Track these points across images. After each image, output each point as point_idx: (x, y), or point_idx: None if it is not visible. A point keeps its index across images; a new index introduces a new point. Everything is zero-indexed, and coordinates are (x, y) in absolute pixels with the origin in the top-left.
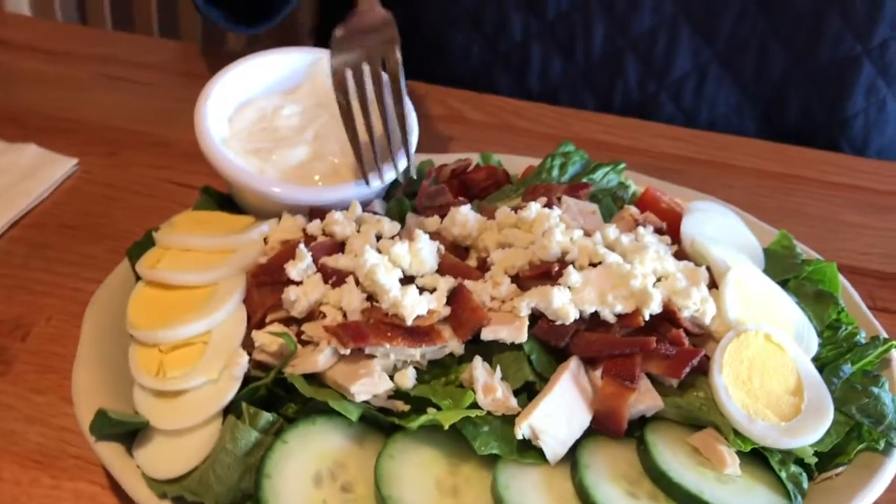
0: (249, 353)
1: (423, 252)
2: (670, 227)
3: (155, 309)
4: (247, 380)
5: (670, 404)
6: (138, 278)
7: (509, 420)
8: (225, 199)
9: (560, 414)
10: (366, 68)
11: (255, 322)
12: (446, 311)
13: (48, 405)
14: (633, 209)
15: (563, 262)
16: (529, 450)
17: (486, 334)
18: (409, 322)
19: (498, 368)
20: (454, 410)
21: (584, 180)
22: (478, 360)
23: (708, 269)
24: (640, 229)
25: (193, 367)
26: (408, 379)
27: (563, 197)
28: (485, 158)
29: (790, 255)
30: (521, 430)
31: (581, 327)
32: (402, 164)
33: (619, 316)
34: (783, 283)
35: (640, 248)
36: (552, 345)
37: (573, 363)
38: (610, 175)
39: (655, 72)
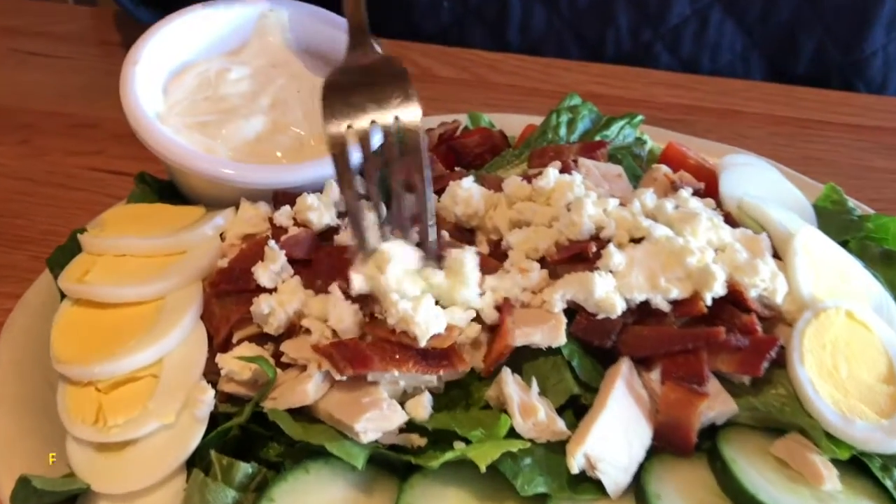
0: (214, 385)
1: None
2: (706, 187)
3: (86, 335)
4: (214, 420)
5: (744, 406)
6: (64, 295)
7: (556, 448)
8: (166, 187)
9: (618, 434)
10: (376, 132)
11: (220, 343)
12: (472, 328)
13: None
14: (665, 168)
15: (599, 241)
16: (584, 482)
17: (518, 338)
18: (423, 343)
19: (534, 381)
20: (489, 443)
21: (598, 138)
22: (507, 372)
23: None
24: (683, 192)
25: (142, 409)
26: (423, 407)
27: (580, 159)
28: (474, 119)
29: (843, 212)
30: (576, 461)
31: (629, 320)
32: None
33: (674, 303)
34: (842, 245)
35: (690, 215)
36: (596, 345)
37: (624, 366)
38: (626, 130)
39: (650, 18)
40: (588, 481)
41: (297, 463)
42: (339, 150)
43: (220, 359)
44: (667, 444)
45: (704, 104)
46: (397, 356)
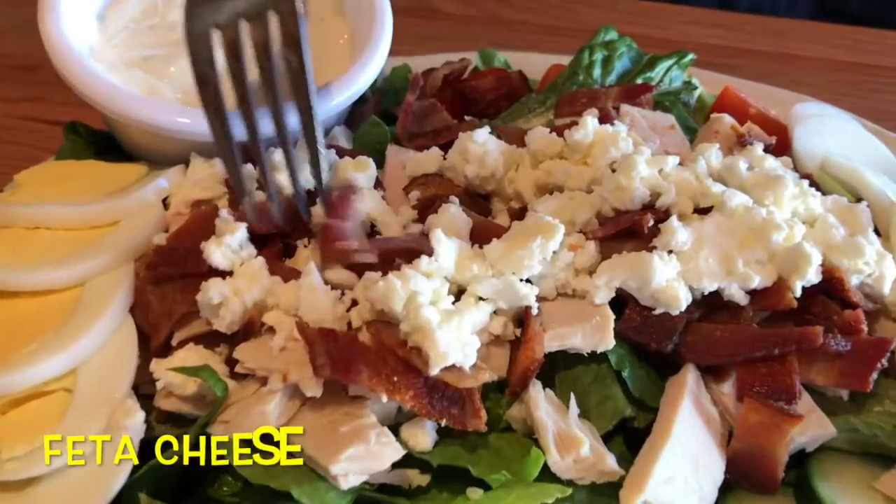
0: (150, 400)
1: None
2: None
3: None
4: (147, 448)
5: (842, 427)
6: None
7: (604, 490)
8: (104, 140)
9: (685, 471)
10: (245, 28)
11: (157, 346)
12: (497, 321)
13: None
14: (730, 118)
15: (654, 211)
16: None
17: (550, 342)
18: (433, 371)
19: (572, 401)
20: (517, 491)
21: (640, 80)
22: (537, 390)
23: None
24: (757, 150)
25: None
26: (425, 435)
27: (622, 106)
28: (486, 58)
29: None
30: None
31: (694, 316)
32: (324, 172)
33: (753, 293)
34: None
35: (771, 179)
36: (653, 349)
37: (690, 378)
38: (673, 71)
39: None
40: None
41: None
42: (202, 57)
43: (157, 368)
44: (743, 478)
45: (752, 46)
46: (395, 378)
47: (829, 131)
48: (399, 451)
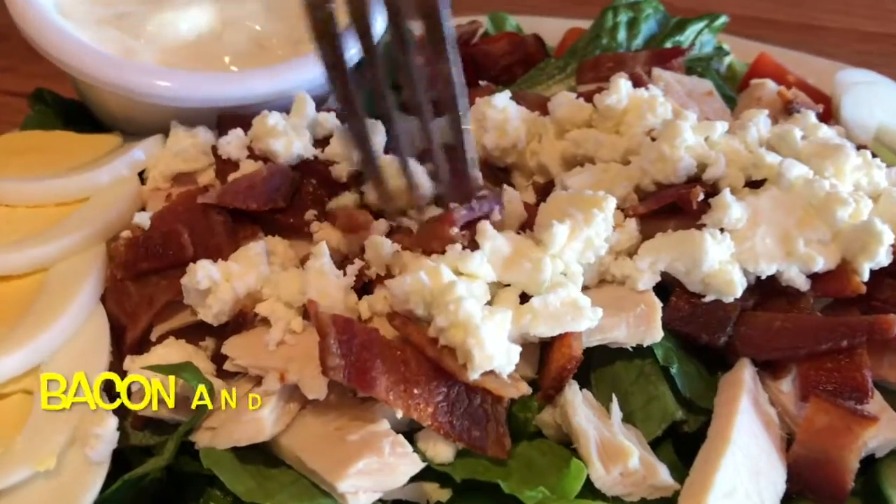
0: (121, 410)
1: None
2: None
3: None
4: (121, 458)
5: None
6: None
7: None
8: (74, 109)
9: (746, 483)
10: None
11: (133, 340)
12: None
13: None
14: (773, 85)
15: (702, 184)
16: None
17: (589, 336)
18: (474, 375)
19: (615, 404)
20: None
21: (668, 44)
22: (574, 391)
23: None
24: (810, 117)
25: (7, 446)
26: (446, 447)
27: (656, 71)
28: (496, 22)
29: None
30: None
31: (748, 304)
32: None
33: (814, 277)
34: None
35: (831, 148)
36: (703, 341)
37: (747, 375)
38: (704, 35)
39: None
40: None
41: None
42: (323, 27)
43: (131, 366)
44: (806, 488)
45: (776, 16)
46: (416, 391)
47: (878, 99)
48: (417, 464)
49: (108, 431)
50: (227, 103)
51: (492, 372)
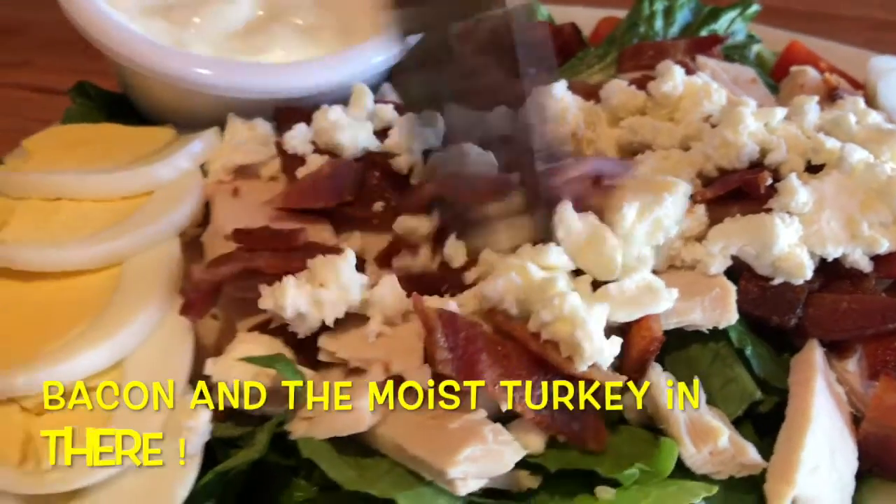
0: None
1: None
2: None
3: (2, 325)
4: (208, 452)
5: None
6: None
7: (738, 486)
8: (117, 102)
9: (826, 461)
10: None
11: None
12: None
13: None
14: (814, 71)
15: (766, 169)
16: None
17: (667, 319)
18: (582, 367)
19: (699, 387)
20: (657, 490)
21: (704, 33)
22: (657, 373)
23: None
24: (860, 103)
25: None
26: (537, 438)
27: (700, 58)
28: (528, 12)
29: None
30: None
31: (814, 286)
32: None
33: (876, 259)
34: None
35: (885, 133)
36: (773, 323)
37: (818, 356)
38: (737, 23)
39: None
40: None
41: None
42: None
43: (213, 366)
44: (878, 464)
45: (788, 5)
46: (518, 385)
47: None
48: (520, 451)
49: (200, 423)
50: (286, 94)
51: (594, 364)
